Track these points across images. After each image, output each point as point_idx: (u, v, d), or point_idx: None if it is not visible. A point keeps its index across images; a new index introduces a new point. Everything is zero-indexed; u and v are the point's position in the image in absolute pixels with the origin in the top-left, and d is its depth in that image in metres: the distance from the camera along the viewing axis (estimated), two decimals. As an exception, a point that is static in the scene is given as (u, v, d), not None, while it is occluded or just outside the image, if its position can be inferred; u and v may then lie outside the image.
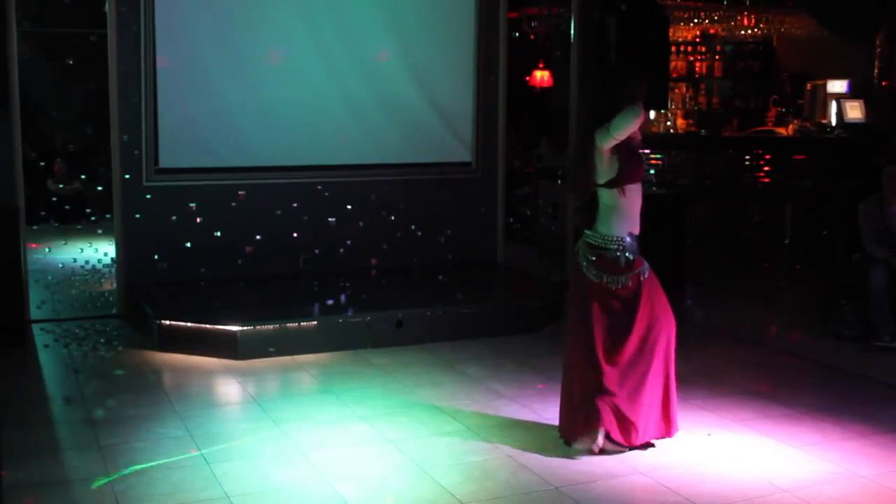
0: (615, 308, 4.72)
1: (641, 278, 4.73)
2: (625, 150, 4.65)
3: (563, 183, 5.00)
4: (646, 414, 4.75)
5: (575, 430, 4.80)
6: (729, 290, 8.25)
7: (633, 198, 4.74)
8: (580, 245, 4.83)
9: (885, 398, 5.81)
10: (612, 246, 4.71)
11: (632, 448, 4.75)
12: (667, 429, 4.84)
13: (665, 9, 9.42)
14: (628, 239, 4.73)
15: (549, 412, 5.38)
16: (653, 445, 4.81)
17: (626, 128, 4.54)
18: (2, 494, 4.21)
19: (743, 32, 12.18)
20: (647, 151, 9.10)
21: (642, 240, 4.85)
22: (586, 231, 4.79)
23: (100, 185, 10.52)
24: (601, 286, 4.72)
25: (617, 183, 4.66)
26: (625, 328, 4.70)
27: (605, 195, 4.71)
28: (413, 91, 8.36)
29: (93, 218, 10.14)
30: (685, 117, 11.67)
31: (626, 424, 4.72)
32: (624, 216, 4.71)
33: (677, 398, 4.87)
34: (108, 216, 7.89)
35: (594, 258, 4.74)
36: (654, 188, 8.92)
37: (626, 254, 4.71)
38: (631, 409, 4.70)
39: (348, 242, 8.08)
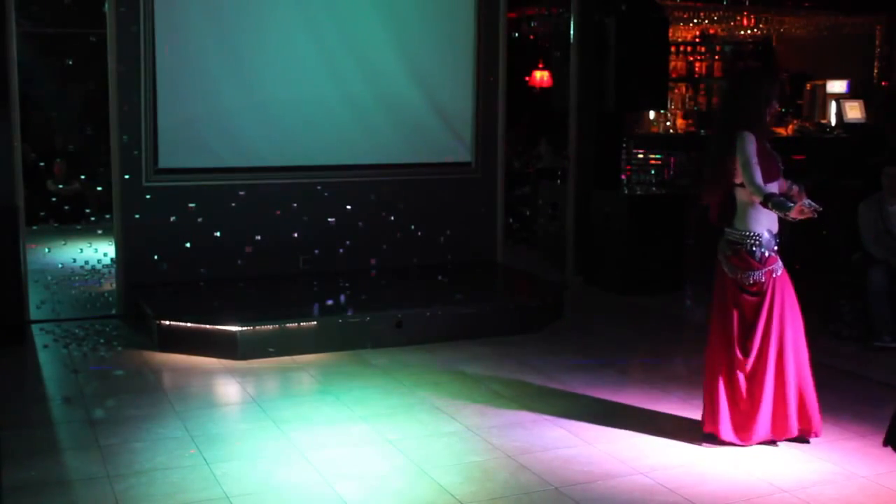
0: (746, 304, 4.81)
1: (774, 276, 4.79)
2: (762, 149, 4.73)
3: (697, 183, 5.17)
4: (763, 414, 4.81)
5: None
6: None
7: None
8: (721, 242, 4.92)
9: (884, 398, 5.79)
10: (748, 241, 4.78)
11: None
12: (806, 429, 4.90)
13: (664, 9, 9.42)
14: (766, 235, 4.79)
15: (548, 412, 5.38)
16: (775, 444, 4.89)
17: (748, 161, 4.64)
18: (2, 494, 4.20)
19: (742, 33, 12.18)
20: (640, 152, 9.12)
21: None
22: (726, 228, 4.89)
23: (99, 186, 10.50)
24: (736, 281, 4.82)
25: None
26: (753, 326, 4.79)
27: (742, 193, 4.77)
28: (413, 91, 8.36)
29: (92, 218, 10.13)
30: (685, 117, 11.67)
31: (743, 423, 4.83)
32: (761, 212, 4.76)
33: (813, 398, 4.91)
34: (107, 216, 7.88)
35: (730, 253, 4.83)
36: (654, 188, 8.92)
37: (762, 249, 4.77)
38: (750, 407, 4.81)
39: (348, 242, 8.08)
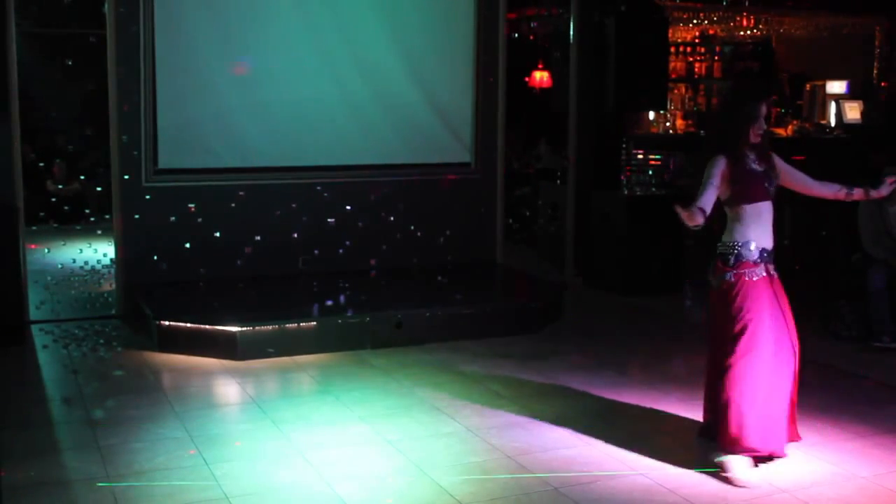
0: (720, 307, 4.78)
1: (746, 279, 4.72)
2: (739, 171, 4.71)
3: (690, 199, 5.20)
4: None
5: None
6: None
7: (754, 212, 4.74)
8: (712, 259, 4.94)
9: (884, 399, 5.81)
10: (727, 251, 4.76)
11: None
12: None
13: (664, 9, 9.42)
14: (751, 246, 4.74)
15: (548, 412, 5.38)
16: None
17: (705, 181, 4.64)
18: (1, 494, 4.20)
19: (742, 33, 12.15)
20: (641, 153, 9.10)
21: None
22: (717, 244, 4.87)
23: (99, 186, 10.51)
24: (719, 290, 4.78)
25: (730, 203, 4.74)
26: (724, 329, 4.71)
27: (727, 209, 4.79)
28: (413, 91, 8.36)
29: (92, 219, 10.14)
30: (684, 118, 11.64)
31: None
32: (747, 226, 4.74)
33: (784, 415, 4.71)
34: (107, 217, 7.89)
35: (714, 265, 4.82)
36: (654, 189, 8.92)
37: (741, 258, 4.72)
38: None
39: (347, 243, 8.08)
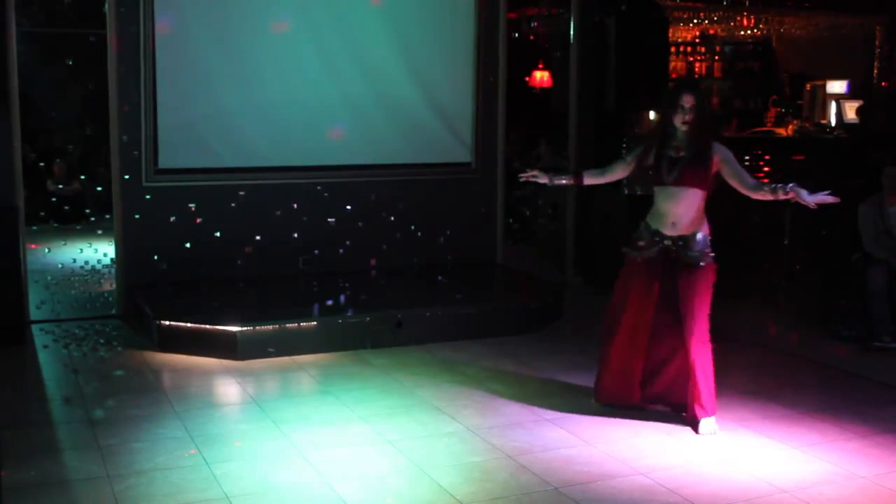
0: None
1: (629, 258, 5.26)
2: (652, 155, 5.18)
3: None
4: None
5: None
6: (728, 291, 8.29)
7: (658, 194, 5.24)
8: None
9: (884, 399, 5.81)
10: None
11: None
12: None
13: (664, 9, 9.43)
14: (644, 223, 5.24)
15: (548, 412, 5.39)
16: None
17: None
18: (1, 494, 4.21)
19: (742, 33, 12.18)
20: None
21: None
22: None
23: (99, 186, 10.50)
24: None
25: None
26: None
27: None
28: (413, 91, 8.36)
29: (92, 218, 10.13)
30: (685, 117, 11.65)
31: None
32: (652, 209, 5.28)
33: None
34: (107, 217, 7.89)
35: None
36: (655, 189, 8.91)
37: (635, 233, 5.27)
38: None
39: (348, 243, 8.08)
